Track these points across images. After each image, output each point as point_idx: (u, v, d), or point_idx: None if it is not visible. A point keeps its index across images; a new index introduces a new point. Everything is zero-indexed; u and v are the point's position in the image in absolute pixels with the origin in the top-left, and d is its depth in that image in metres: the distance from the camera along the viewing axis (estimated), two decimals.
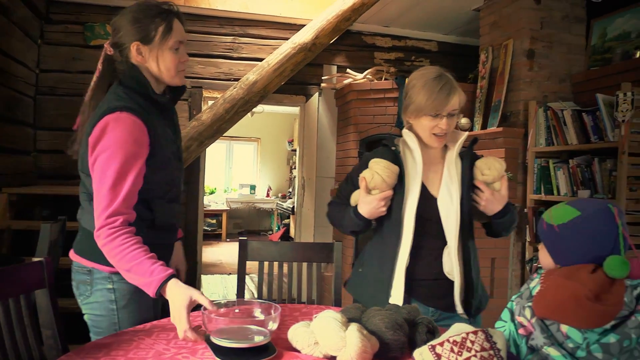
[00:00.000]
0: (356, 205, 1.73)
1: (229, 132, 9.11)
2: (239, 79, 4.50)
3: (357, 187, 1.77)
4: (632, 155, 3.04)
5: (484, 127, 4.16)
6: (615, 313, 1.21)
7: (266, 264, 2.09)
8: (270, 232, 9.84)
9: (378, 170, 1.67)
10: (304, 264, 2.33)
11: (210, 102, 4.64)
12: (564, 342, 1.24)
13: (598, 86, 3.64)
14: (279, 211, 9.46)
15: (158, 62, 1.49)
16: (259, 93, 4.14)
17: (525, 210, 3.79)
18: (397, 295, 1.68)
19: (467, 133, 1.81)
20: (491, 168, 1.65)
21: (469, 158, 1.78)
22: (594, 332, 1.22)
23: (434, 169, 1.76)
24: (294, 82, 4.93)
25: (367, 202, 1.68)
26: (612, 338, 1.21)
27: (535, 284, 1.37)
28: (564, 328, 1.24)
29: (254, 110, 8.61)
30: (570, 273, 1.28)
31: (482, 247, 3.74)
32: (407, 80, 1.78)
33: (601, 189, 3.26)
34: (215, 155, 9.89)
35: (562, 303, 1.24)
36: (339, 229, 1.81)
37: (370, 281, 1.76)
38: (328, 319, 1.28)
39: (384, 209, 1.69)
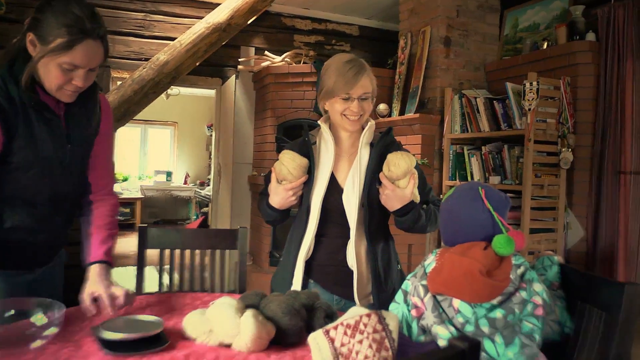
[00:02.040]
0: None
1: (143, 116, 8.86)
2: (150, 58, 4.36)
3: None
4: (537, 142, 3.24)
5: (401, 113, 4.27)
6: (503, 288, 1.30)
7: (177, 252, 2.06)
8: (188, 221, 9.65)
9: (284, 162, 1.72)
10: (217, 252, 2.32)
11: (119, 83, 4.47)
12: (454, 318, 1.32)
13: (509, 75, 3.84)
14: (197, 199, 9.32)
15: (41, 68, 1.41)
16: (170, 74, 4.04)
17: (441, 196, 3.96)
18: (297, 282, 1.74)
19: (373, 122, 1.85)
20: (397, 165, 1.66)
21: (379, 148, 1.79)
22: (482, 307, 1.30)
23: (348, 159, 1.80)
24: (209, 63, 4.86)
25: (276, 193, 1.73)
26: (498, 313, 1.30)
27: (430, 262, 1.44)
28: (456, 303, 1.32)
29: (168, 92, 8.47)
30: (464, 250, 1.37)
31: (400, 234, 3.84)
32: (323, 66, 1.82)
33: (510, 175, 3.45)
34: (129, 140, 9.56)
35: (457, 278, 1.31)
36: (265, 221, 1.86)
37: (280, 270, 1.82)
38: (223, 305, 1.29)
39: (293, 198, 1.73)
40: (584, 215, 3.37)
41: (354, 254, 1.72)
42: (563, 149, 3.27)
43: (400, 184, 1.67)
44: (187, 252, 2.10)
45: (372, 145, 1.79)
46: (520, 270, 1.36)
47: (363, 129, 1.80)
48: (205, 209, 8.77)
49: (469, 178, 3.77)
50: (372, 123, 1.82)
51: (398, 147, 1.81)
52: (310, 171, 1.75)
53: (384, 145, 1.79)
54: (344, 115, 1.73)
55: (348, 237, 1.74)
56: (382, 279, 1.74)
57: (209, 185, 9.20)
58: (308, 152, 1.77)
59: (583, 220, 3.38)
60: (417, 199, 1.73)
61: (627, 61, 3.16)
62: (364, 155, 1.78)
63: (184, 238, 2.03)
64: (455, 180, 3.87)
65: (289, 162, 1.71)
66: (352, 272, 1.73)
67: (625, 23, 3.17)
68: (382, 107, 4.37)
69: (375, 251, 1.74)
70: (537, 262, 1.57)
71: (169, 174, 9.74)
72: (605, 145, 3.24)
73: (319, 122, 1.83)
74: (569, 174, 3.38)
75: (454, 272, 1.32)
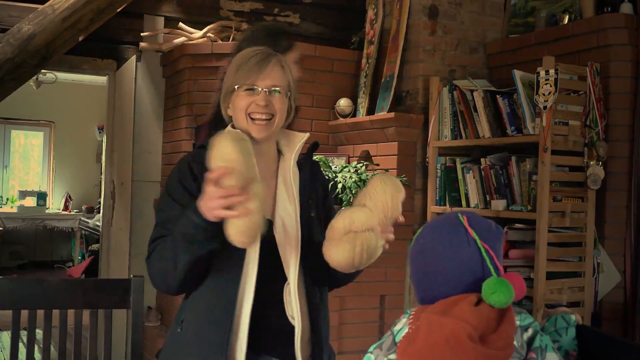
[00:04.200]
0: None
1: (1, 112, 8.72)
2: (8, 30, 4.24)
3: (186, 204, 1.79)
4: (556, 153, 3.27)
5: (370, 111, 4.26)
6: None
7: (40, 313, 2.01)
8: (70, 265, 9.66)
9: (232, 150, 1.67)
10: (101, 313, 2.24)
11: None
12: None
13: (517, 60, 3.90)
14: (83, 232, 9.37)
15: None
16: (39, 53, 3.97)
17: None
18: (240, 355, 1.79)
19: (307, 135, 1.99)
20: (359, 219, 1.72)
21: (309, 167, 1.96)
22: None
23: (267, 184, 1.89)
24: (98, 38, 4.76)
25: (215, 196, 1.66)
26: None
27: (401, 327, 1.46)
28: None
29: (40, 79, 8.37)
30: (446, 307, 1.38)
31: (367, 281, 3.86)
32: None
33: (520, 198, 3.48)
34: None
35: (437, 346, 1.33)
36: (169, 276, 1.81)
37: (195, 341, 1.83)
38: None
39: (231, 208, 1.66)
40: (620, 254, 3.41)
41: (294, 304, 1.83)
42: (591, 162, 3.31)
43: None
44: (56, 313, 2.05)
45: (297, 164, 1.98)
46: (527, 335, 1.40)
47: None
48: (95, 246, 8.78)
49: (464, 202, 3.79)
50: (305, 135, 1.99)
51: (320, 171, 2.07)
52: None
53: (313, 163, 2.01)
54: (249, 115, 1.86)
55: (285, 280, 1.85)
56: (322, 337, 1.89)
57: (100, 212, 9.16)
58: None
59: (619, 260, 3.41)
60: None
61: None
62: (293, 176, 1.94)
63: (50, 293, 2.01)
64: (445, 205, 3.89)
65: (239, 153, 1.65)
66: (292, 327, 1.83)
67: None
68: (344, 102, 4.36)
69: (316, 301, 1.89)
70: (547, 324, 1.59)
71: (41, 196, 9.66)
72: None
73: (226, 129, 1.93)
74: (599, 196, 3.42)
75: (433, 338, 1.34)
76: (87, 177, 10.05)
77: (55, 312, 2.02)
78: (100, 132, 9.70)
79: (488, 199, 3.63)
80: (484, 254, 1.42)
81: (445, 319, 1.34)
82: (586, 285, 3.38)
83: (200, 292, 1.86)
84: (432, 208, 3.95)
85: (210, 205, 1.64)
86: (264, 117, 1.86)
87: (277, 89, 1.87)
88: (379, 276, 3.99)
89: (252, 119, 1.86)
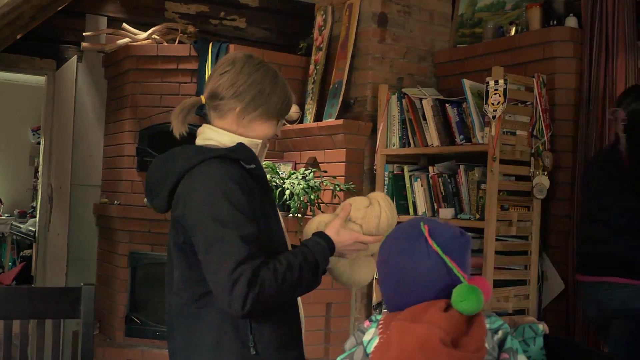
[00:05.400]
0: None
1: None
2: None
3: (266, 225, 1.87)
4: (504, 162, 3.30)
5: (318, 118, 4.26)
6: None
7: None
8: (1, 271, 9.29)
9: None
10: (48, 323, 2.15)
11: None
12: None
13: (465, 70, 3.96)
14: (15, 237, 9.12)
15: None
16: None
17: None
18: None
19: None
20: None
21: None
22: None
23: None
24: (37, 37, 4.71)
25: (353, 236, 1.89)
26: None
27: (371, 337, 1.44)
28: None
29: None
30: (416, 314, 1.38)
31: (321, 289, 3.81)
32: (245, 66, 1.92)
33: (468, 206, 3.51)
34: None
35: (412, 353, 1.32)
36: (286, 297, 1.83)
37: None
38: None
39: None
40: (563, 261, 3.47)
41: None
42: (537, 172, 3.36)
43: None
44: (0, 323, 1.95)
45: None
46: (498, 337, 1.40)
47: None
48: (27, 252, 8.62)
49: (412, 210, 3.80)
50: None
51: None
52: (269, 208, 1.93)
53: None
54: (263, 142, 1.95)
55: None
56: None
57: (34, 216, 8.97)
58: (261, 185, 1.90)
59: (563, 268, 3.46)
60: None
61: (617, 55, 3.31)
62: None
63: None
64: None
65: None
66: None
67: (616, 5, 3.33)
68: (292, 109, 4.32)
69: None
70: (515, 333, 1.59)
71: None
72: None
73: (209, 134, 1.93)
74: (543, 206, 3.47)
75: (407, 345, 1.33)
76: (20, 180, 9.84)
77: None
78: (34, 134, 9.47)
79: (436, 207, 3.65)
80: (449, 263, 1.41)
81: (416, 326, 1.34)
82: (531, 294, 3.42)
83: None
84: None
85: (356, 247, 1.88)
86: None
87: None
88: (325, 284, 3.91)
89: (263, 145, 1.95)
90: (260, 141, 1.91)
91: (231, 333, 1.78)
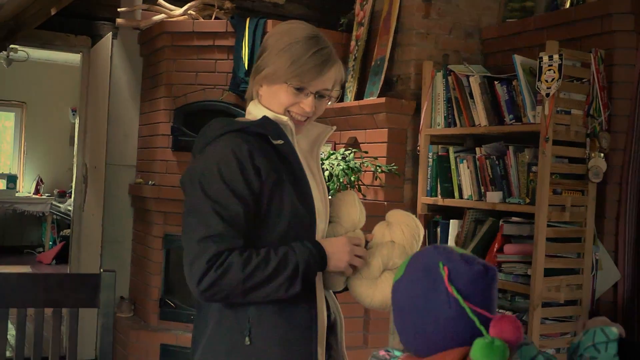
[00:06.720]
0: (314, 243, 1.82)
1: None
2: None
3: (255, 206, 1.77)
4: (557, 143, 3.17)
5: (359, 96, 4.20)
6: None
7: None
8: (41, 250, 9.62)
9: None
10: (65, 312, 2.11)
11: None
12: None
13: (515, 46, 3.81)
14: (55, 217, 9.34)
15: None
16: (7, 26, 3.90)
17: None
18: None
19: (333, 128, 2.02)
20: (395, 256, 1.88)
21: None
22: None
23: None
24: (72, 13, 4.72)
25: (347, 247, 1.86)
26: None
27: None
28: None
29: (10, 56, 8.21)
30: None
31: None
32: (267, 35, 1.93)
33: (517, 190, 3.38)
34: None
35: None
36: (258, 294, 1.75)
37: (280, 352, 1.81)
38: None
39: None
40: (614, 250, 3.35)
41: (333, 298, 2.00)
42: (593, 154, 3.22)
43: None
44: (14, 311, 1.90)
45: None
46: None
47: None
48: (67, 232, 8.76)
49: (457, 193, 3.69)
50: (333, 128, 2.04)
51: None
52: (306, 195, 1.85)
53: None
54: (289, 111, 1.84)
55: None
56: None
57: (72, 196, 9.19)
58: (288, 164, 1.83)
59: (614, 257, 3.34)
60: None
61: None
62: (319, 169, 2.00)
63: (7, 290, 1.85)
64: (436, 196, 3.79)
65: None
66: (330, 322, 1.94)
67: None
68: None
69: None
70: (584, 337, 1.46)
71: (11, 179, 9.66)
72: None
73: (249, 108, 1.92)
74: (599, 190, 3.33)
75: None
76: (60, 160, 9.97)
77: (13, 311, 1.88)
78: (74, 114, 9.60)
79: (483, 190, 3.53)
80: (470, 314, 1.28)
81: None
82: (584, 283, 3.29)
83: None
84: (423, 199, 3.86)
85: (348, 259, 1.82)
86: (304, 118, 1.86)
87: (327, 92, 1.86)
88: None
89: (289, 112, 1.84)
90: (287, 117, 1.84)
91: (230, 320, 1.77)
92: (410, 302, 1.35)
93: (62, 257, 8.36)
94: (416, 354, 1.36)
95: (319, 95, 1.84)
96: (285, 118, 1.83)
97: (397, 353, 1.41)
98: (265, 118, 1.81)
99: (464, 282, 1.31)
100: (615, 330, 1.42)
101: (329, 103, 1.93)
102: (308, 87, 1.80)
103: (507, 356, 1.24)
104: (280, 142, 1.80)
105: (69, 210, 8.29)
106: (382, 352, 1.43)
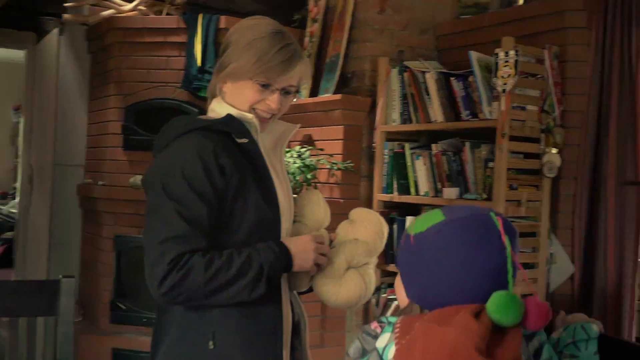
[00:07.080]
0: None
1: None
2: None
3: (218, 206, 1.75)
4: (513, 139, 3.20)
5: (314, 93, 4.19)
6: None
7: None
8: None
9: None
10: (21, 321, 2.03)
11: None
12: None
13: (469, 42, 3.84)
14: None
15: None
16: None
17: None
18: None
19: (297, 126, 2.03)
20: (359, 253, 1.88)
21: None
22: None
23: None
24: (16, 8, 4.66)
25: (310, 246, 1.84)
26: None
27: (387, 343, 1.34)
28: None
29: None
30: (444, 317, 1.27)
31: None
32: (230, 31, 1.91)
33: (474, 186, 3.40)
34: None
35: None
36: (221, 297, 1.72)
37: (243, 354, 1.80)
38: None
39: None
40: (569, 244, 3.39)
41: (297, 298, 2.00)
42: (547, 149, 3.27)
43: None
44: None
45: None
46: (533, 345, 1.35)
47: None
48: (9, 234, 8.54)
49: (413, 190, 3.71)
50: (297, 127, 2.05)
51: None
52: (270, 194, 1.84)
53: None
54: (254, 108, 1.83)
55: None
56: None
57: (15, 198, 9.07)
58: (252, 161, 1.82)
59: (569, 251, 3.39)
60: None
61: (636, 25, 3.17)
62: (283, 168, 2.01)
63: None
64: (392, 192, 3.80)
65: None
66: (296, 321, 1.94)
67: None
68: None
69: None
70: (564, 334, 1.49)
71: None
72: (602, 144, 3.24)
73: (212, 106, 1.91)
74: (554, 185, 3.38)
75: (434, 351, 1.23)
76: (1, 160, 9.92)
77: None
78: (15, 113, 9.60)
79: (439, 186, 3.56)
80: (509, 266, 1.30)
81: (447, 329, 1.23)
82: (539, 277, 3.34)
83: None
84: (379, 196, 3.87)
85: (313, 257, 1.80)
86: (269, 115, 1.85)
87: (293, 88, 1.87)
88: None
89: (254, 110, 1.83)
90: (252, 115, 1.83)
91: (194, 323, 1.76)
92: (458, 248, 1.32)
93: (5, 261, 8.07)
94: (428, 306, 1.36)
95: (285, 92, 1.84)
96: (250, 116, 1.82)
97: (391, 319, 1.39)
98: (229, 116, 1.79)
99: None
100: (595, 327, 1.45)
101: (295, 100, 1.92)
102: (274, 83, 1.80)
103: (520, 317, 1.25)
104: (244, 140, 1.80)
105: (12, 212, 8.24)
106: (373, 325, 1.40)
